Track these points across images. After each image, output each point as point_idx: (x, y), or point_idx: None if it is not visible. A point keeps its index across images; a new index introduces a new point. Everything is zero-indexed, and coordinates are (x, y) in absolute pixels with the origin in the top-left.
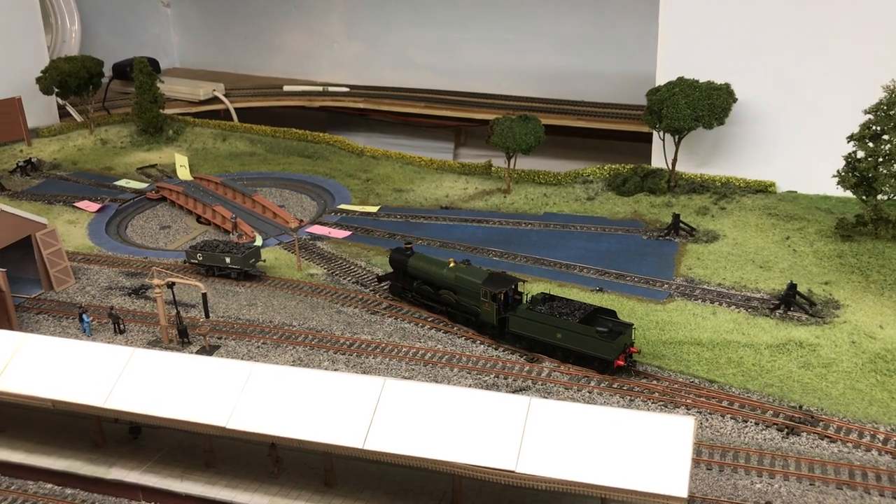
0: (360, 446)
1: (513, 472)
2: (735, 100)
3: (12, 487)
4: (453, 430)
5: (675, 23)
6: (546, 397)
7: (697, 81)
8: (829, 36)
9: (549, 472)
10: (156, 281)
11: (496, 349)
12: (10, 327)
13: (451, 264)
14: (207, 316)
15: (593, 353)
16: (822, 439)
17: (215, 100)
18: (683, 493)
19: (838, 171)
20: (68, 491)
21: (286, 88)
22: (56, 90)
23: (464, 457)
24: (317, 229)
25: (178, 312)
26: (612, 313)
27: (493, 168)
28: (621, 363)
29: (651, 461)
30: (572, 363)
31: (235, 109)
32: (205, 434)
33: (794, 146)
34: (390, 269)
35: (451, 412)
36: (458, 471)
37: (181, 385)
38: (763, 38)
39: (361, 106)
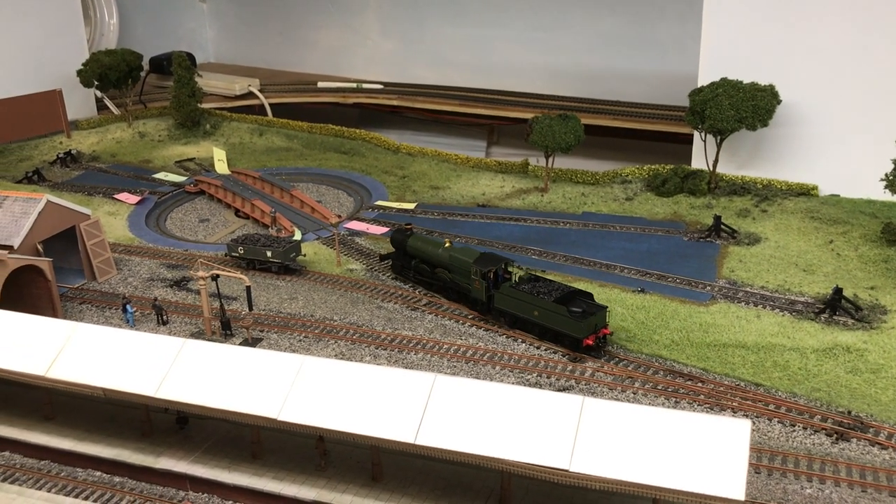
0: (412, 441)
1: (566, 471)
2: (779, 101)
3: (62, 474)
4: (506, 427)
5: (719, 23)
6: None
7: (741, 82)
8: (876, 37)
9: (604, 472)
10: (200, 273)
11: (538, 348)
12: (54, 317)
13: (447, 244)
14: (251, 308)
15: (564, 332)
16: (874, 446)
17: (250, 95)
18: (741, 496)
19: (886, 175)
20: (116, 479)
21: (320, 85)
22: (96, 83)
23: (517, 455)
24: (354, 225)
25: (221, 304)
26: (589, 296)
27: (529, 167)
28: (590, 343)
29: (707, 463)
30: (548, 340)
31: (270, 105)
32: (253, 425)
33: (838, 149)
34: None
35: (503, 410)
36: (511, 468)
37: (232, 376)
38: (808, 39)
39: (395, 103)
